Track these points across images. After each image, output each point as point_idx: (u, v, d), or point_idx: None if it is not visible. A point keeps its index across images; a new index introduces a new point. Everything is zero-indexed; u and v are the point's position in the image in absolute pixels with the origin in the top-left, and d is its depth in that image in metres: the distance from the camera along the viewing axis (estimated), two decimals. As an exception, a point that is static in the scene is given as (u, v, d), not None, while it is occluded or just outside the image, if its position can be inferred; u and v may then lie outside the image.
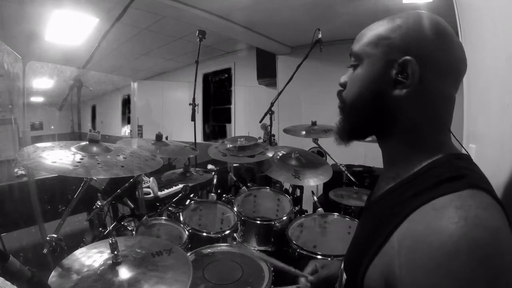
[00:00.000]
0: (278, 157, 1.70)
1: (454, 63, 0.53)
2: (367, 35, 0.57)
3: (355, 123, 0.60)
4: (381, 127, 0.57)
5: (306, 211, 1.84)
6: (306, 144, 2.13)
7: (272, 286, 1.07)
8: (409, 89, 0.51)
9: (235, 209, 1.57)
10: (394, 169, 0.57)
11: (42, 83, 2.97)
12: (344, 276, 0.61)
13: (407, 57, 0.50)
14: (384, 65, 0.53)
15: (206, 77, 5.39)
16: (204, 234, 1.40)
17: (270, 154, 1.60)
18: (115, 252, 0.80)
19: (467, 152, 0.55)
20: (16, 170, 2.15)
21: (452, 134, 0.56)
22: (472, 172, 0.48)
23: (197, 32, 2.23)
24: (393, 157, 0.59)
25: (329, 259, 1.17)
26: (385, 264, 0.46)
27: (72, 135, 2.90)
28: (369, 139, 0.65)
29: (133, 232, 1.30)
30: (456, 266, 0.37)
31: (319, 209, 1.52)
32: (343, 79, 0.61)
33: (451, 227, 0.39)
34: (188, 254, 1.18)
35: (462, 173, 0.47)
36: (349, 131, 0.62)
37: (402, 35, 0.52)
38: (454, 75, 0.54)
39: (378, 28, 0.56)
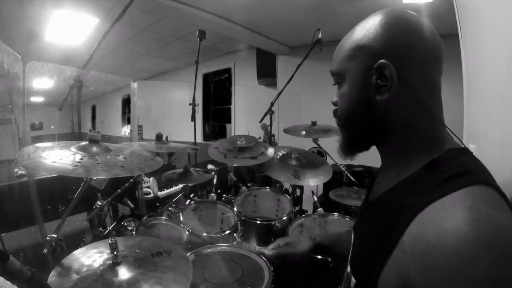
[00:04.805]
0: (278, 157, 1.70)
1: (430, 50, 0.53)
2: (342, 51, 0.58)
3: (354, 136, 0.62)
4: (378, 134, 0.58)
5: (306, 211, 1.84)
6: (306, 144, 2.13)
7: (272, 286, 1.07)
8: (391, 90, 0.52)
9: (235, 209, 1.57)
10: (395, 169, 0.57)
11: (42, 83, 2.97)
12: (353, 280, 0.59)
13: (381, 61, 0.51)
14: (363, 74, 0.54)
15: (206, 77, 5.39)
16: (204, 234, 1.40)
17: (270, 154, 1.60)
18: (115, 252, 0.80)
19: (464, 144, 0.55)
20: (16, 170, 2.14)
21: (448, 128, 0.55)
22: (477, 167, 0.48)
23: (197, 32, 2.22)
24: (393, 158, 0.59)
25: (329, 259, 1.17)
26: (400, 269, 0.44)
27: (72, 135, 2.89)
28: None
29: (133, 232, 1.30)
30: (478, 267, 0.36)
31: (319, 209, 1.52)
32: (334, 98, 0.63)
33: (465, 228, 0.38)
34: (188, 254, 1.18)
35: (468, 169, 0.46)
36: (351, 145, 0.64)
37: (372, 39, 0.53)
38: (433, 61, 0.54)
39: (349, 40, 0.57)
